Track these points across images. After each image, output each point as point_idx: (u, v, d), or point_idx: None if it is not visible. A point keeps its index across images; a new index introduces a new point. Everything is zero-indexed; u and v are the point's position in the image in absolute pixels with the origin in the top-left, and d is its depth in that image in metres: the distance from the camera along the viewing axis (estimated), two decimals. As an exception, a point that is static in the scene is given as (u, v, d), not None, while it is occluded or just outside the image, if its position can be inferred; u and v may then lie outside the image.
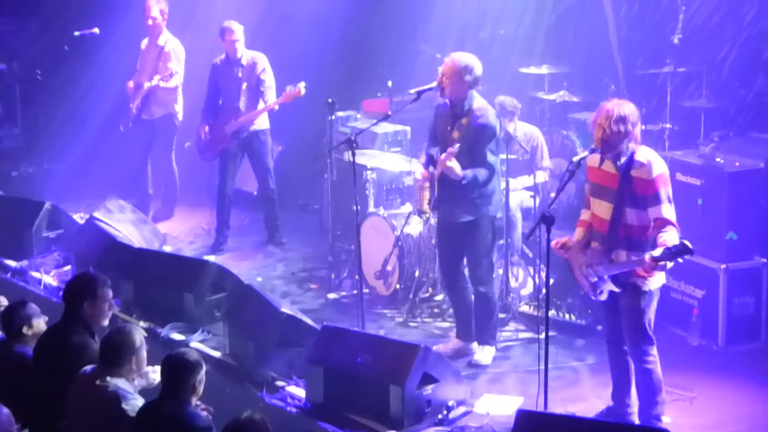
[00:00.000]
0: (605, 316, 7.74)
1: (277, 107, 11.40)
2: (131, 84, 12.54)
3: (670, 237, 7.10)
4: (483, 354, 8.97)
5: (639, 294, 7.38)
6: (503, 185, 9.45)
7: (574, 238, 7.62)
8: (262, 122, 11.65)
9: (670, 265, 7.07)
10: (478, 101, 8.68)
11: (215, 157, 11.82)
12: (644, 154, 7.33)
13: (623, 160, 7.32)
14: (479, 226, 8.78)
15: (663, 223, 7.20)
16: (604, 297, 7.48)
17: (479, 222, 8.77)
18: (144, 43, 12.62)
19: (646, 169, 7.26)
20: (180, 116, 12.57)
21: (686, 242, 6.94)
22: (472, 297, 9.03)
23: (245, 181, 12.58)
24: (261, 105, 11.48)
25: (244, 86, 11.53)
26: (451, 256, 9.04)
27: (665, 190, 7.26)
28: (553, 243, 7.53)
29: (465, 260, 9.01)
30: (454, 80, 8.61)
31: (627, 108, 7.33)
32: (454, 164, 8.49)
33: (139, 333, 6.82)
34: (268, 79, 11.53)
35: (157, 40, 12.42)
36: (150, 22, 12.34)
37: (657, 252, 6.99)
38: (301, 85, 11.16)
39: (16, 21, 14.77)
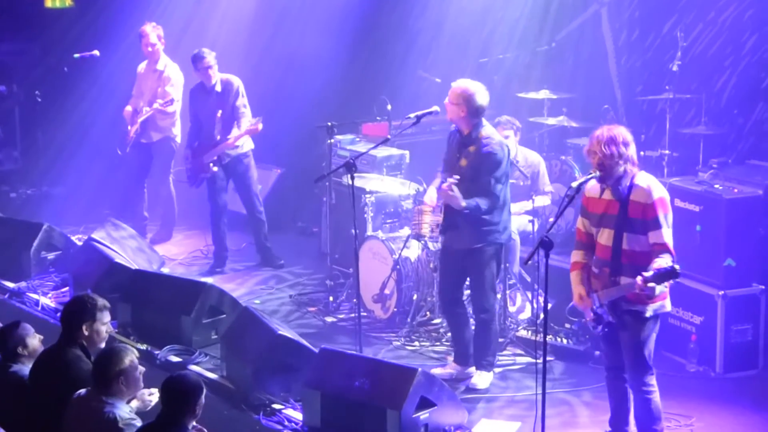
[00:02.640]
0: (605, 346, 7.68)
1: (238, 143, 11.46)
2: (129, 109, 12.53)
3: (664, 261, 7.10)
4: (481, 379, 8.95)
5: (640, 321, 7.34)
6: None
7: (573, 288, 7.60)
8: (244, 145, 11.65)
9: (659, 288, 7.07)
10: (486, 129, 8.70)
11: (200, 183, 11.81)
12: (644, 179, 7.34)
13: (624, 185, 7.32)
14: (485, 254, 8.76)
15: (661, 248, 7.20)
16: (600, 331, 7.48)
17: (485, 249, 8.75)
18: (141, 67, 12.60)
19: (645, 193, 7.25)
20: (178, 140, 12.55)
21: (676, 266, 6.96)
22: (471, 322, 9.02)
23: (241, 204, 12.55)
24: (235, 131, 11.47)
25: (219, 113, 11.51)
26: (451, 282, 9.02)
27: (665, 215, 7.25)
28: (575, 298, 7.57)
29: (465, 287, 9.01)
30: (453, 107, 8.65)
31: (616, 130, 7.35)
32: (456, 193, 8.50)
33: (129, 353, 6.74)
34: (242, 104, 11.53)
35: (156, 65, 12.40)
36: (149, 49, 12.31)
37: (648, 273, 6.99)
38: (258, 119, 11.25)
39: (17, 43, 14.77)
